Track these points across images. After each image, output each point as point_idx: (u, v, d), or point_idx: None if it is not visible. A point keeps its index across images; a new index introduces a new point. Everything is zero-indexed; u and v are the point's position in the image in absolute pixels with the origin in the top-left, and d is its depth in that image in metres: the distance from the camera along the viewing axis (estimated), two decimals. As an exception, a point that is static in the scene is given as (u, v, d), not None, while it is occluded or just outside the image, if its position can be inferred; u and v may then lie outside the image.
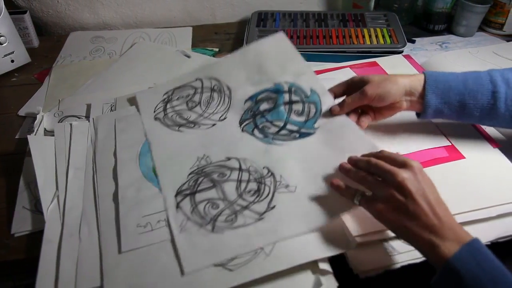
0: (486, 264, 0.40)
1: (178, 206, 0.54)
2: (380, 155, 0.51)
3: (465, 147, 0.63)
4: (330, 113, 0.63)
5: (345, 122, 0.62)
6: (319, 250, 0.48)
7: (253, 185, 0.56)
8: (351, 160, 0.54)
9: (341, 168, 0.54)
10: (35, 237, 0.55)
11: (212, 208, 0.53)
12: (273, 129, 0.63)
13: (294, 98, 0.66)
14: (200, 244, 0.49)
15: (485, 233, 0.53)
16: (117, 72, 0.85)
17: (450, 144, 0.64)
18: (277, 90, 0.67)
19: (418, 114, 0.63)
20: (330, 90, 0.65)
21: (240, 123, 0.65)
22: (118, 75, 0.85)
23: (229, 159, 0.59)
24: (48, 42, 0.98)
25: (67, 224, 0.54)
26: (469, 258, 0.40)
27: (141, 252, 0.50)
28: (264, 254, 0.48)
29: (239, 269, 0.47)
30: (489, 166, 0.61)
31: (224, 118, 0.66)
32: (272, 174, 0.57)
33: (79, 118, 0.73)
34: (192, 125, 0.66)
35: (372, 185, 0.48)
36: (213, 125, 0.66)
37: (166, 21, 1.05)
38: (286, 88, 0.67)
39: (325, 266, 0.48)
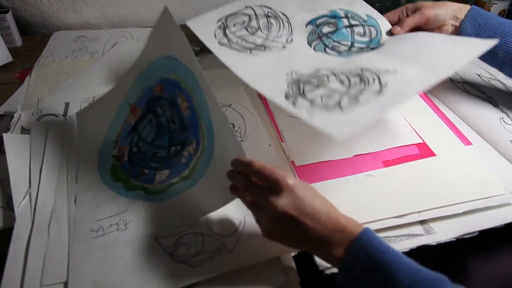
0: (377, 255, 0.40)
1: (294, 104, 0.50)
2: (254, 169, 0.45)
3: (436, 145, 0.64)
4: (391, 33, 0.68)
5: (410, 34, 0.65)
6: (281, 247, 0.48)
7: (355, 79, 0.54)
8: (236, 165, 0.48)
9: (229, 176, 0.48)
10: (5, 234, 0.55)
11: (329, 98, 0.51)
12: (343, 48, 0.65)
13: (353, 22, 0.68)
14: (335, 117, 0.47)
15: (452, 229, 0.53)
16: (97, 71, 0.86)
17: (422, 141, 0.64)
18: (334, 16, 0.69)
19: None
20: (385, 15, 0.71)
21: (309, 44, 0.65)
22: (98, 74, 0.85)
23: (318, 70, 0.57)
24: (31, 41, 0.98)
25: (37, 220, 0.55)
26: (359, 254, 0.41)
27: (107, 248, 0.50)
28: (226, 251, 0.48)
29: (201, 265, 0.47)
30: (459, 164, 0.61)
31: (291, 41, 0.64)
32: (367, 69, 0.56)
33: (57, 116, 0.74)
34: (263, 48, 0.61)
35: (258, 210, 0.46)
36: (283, 47, 0.62)
37: (149, 21, 1.05)
38: (342, 14, 0.69)
39: (287, 262, 0.48)
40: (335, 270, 0.49)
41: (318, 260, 0.49)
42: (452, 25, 0.67)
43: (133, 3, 1.03)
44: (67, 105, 0.76)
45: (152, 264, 0.48)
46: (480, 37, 0.64)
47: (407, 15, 0.69)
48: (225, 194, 0.49)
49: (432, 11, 0.66)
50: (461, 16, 0.66)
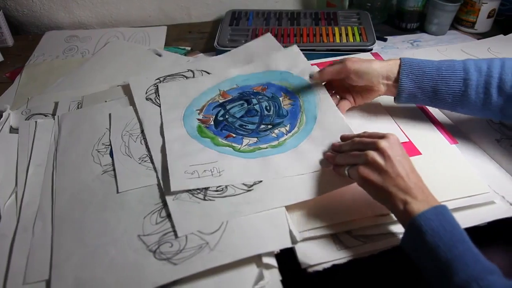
0: (448, 225, 0.44)
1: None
2: (362, 134, 0.56)
3: (422, 144, 0.64)
4: (310, 79, 0.68)
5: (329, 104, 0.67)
6: (263, 245, 0.49)
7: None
8: (335, 147, 0.59)
9: (328, 157, 0.58)
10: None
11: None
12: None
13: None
14: (192, 211, 0.53)
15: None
16: (87, 71, 0.86)
17: (408, 140, 0.65)
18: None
19: (395, 99, 0.66)
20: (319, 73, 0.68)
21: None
22: (88, 74, 0.85)
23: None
24: (23, 41, 0.98)
25: (22, 219, 0.55)
26: (433, 217, 0.44)
27: (91, 246, 0.50)
28: (208, 249, 0.49)
29: (183, 263, 0.47)
30: (444, 162, 0.61)
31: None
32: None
33: (46, 116, 0.74)
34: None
35: (357, 157, 0.52)
36: None
37: (141, 21, 1.05)
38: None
39: (268, 260, 0.48)
40: (318, 268, 0.50)
41: (301, 258, 0.50)
42: (384, 84, 0.63)
43: (124, 3, 1.03)
44: (56, 104, 0.76)
45: (135, 261, 0.48)
46: (422, 88, 0.61)
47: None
48: (313, 164, 0.58)
49: (355, 66, 0.62)
50: (394, 73, 0.62)
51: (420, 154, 0.62)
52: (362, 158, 0.51)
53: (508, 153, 0.63)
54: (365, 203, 0.55)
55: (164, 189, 0.56)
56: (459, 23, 0.99)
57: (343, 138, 0.60)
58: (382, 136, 0.52)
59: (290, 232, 0.50)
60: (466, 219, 0.54)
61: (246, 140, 0.63)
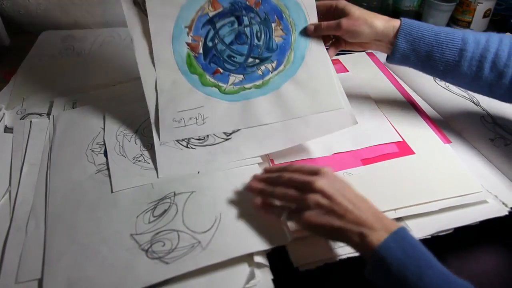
0: (412, 250, 0.41)
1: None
2: (291, 169, 0.52)
3: (416, 143, 0.64)
4: (305, 31, 0.65)
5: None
6: (255, 244, 0.49)
7: None
8: (259, 178, 0.54)
9: (253, 189, 0.53)
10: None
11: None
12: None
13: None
14: (174, 157, 0.58)
15: (427, 227, 0.54)
16: (83, 71, 0.86)
17: (402, 139, 0.65)
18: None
19: (387, 58, 0.64)
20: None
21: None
22: (84, 74, 0.85)
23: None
24: (19, 41, 0.98)
25: (16, 218, 0.55)
26: (395, 246, 0.41)
27: (83, 245, 0.51)
28: (200, 248, 0.49)
29: (175, 262, 0.47)
30: (437, 162, 0.61)
31: None
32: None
33: (41, 115, 0.74)
34: None
35: (295, 198, 0.48)
36: None
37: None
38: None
39: (260, 259, 0.48)
40: (310, 267, 0.50)
41: (293, 257, 0.50)
42: (377, 44, 0.63)
43: (121, 3, 1.03)
44: (51, 104, 0.76)
45: (127, 260, 0.48)
46: (417, 51, 0.60)
47: (334, 13, 0.64)
48: (291, 111, 0.60)
49: (351, 27, 0.60)
50: (389, 36, 0.61)
51: (414, 153, 0.63)
52: (303, 204, 0.46)
53: (502, 152, 0.64)
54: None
55: (155, 128, 0.61)
56: (454, 22, 0.99)
57: (266, 171, 0.56)
58: (315, 172, 0.48)
59: (282, 230, 0.50)
60: (457, 219, 0.55)
61: (232, 78, 0.63)
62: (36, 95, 0.79)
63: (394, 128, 0.67)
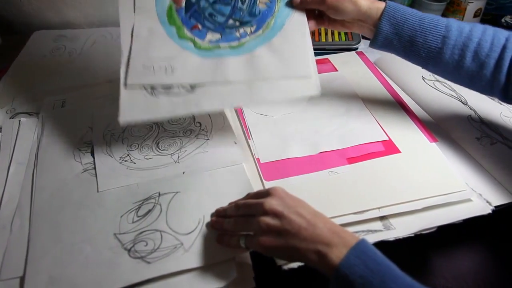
0: (374, 264, 0.40)
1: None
2: (246, 197, 0.52)
3: (402, 142, 0.64)
4: (290, 2, 0.64)
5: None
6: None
7: None
8: (219, 212, 0.53)
9: (213, 223, 0.52)
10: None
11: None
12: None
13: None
14: (138, 103, 0.56)
15: (411, 225, 0.54)
16: (73, 70, 0.86)
17: (388, 138, 0.65)
18: None
19: (371, 42, 0.63)
20: None
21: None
22: (74, 73, 0.85)
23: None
24: (11, 41, 0.98)
25: (1, 217, 0.55)
26: (356, 261, 0.40)
27: (67, 244, 0.51)
28: (183, 249, 0.49)
29: (156, 262, 0.48)
30: (423, 160, 0.62)
31: None
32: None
33: (30, 115, 0.74)
34: None
35: (247, 224, 0.47)
36: None
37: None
38: None
39: (242, 258, 0.48)
40: (293, 265, 0.50)
41: (277, 256, 0.50)
42: (360, 25, 0.62)
43: (113, 2, 1.02)
44: (40, 104, 0.76)
45: (109, 259, 0.49)
46: (400, 36, 0.59)
47: None
48: (259, 73, 0.58)
49: (335, 3, 0.59)
50: (372, 18, 0.60)
51: (399, 152, 0.63)
52: (255, 226, 0.45)
53: (487, 151, 0.64)
54: (344, 200, 0.56)
55: (124, 71, 0.59)
56: (446, 22, 0.99)
57: (229, 204, 0.54)
58: (266, 194, 0.47)
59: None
60: (442, 217, 0.55)
61: (209, 36, 0.62)
62: (26, 95, 0.79)
63: (381, 127, 0.67)
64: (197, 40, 0.62)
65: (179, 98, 0.57)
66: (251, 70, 0.59)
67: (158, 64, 0.59)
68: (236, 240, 0.48)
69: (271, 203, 0.45)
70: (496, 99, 0.74)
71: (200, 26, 0.63)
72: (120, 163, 0.61)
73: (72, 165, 0.62)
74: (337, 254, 0.41)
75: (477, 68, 0.57)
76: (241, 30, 0.62)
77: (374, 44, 0.62)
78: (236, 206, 0.50)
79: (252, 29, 0.62)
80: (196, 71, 0.59)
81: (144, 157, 0.62)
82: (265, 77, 0.58)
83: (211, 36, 0.62)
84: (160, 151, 0.63)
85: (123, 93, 0.58)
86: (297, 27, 0.62)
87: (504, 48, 0.56)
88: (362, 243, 0.42)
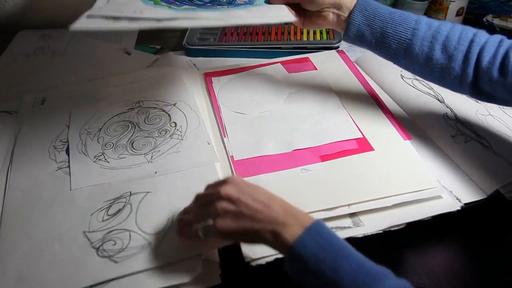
0: (328, 244, 0.41)
1: None
2: (205, 189, 0.51)
3: (376, 139, 0.65)
4: None
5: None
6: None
7: None
8: (186, 210, 0.52)
9: (179, 223, 0.50)
10: None
11: None
12: None
13: None
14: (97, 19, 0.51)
15: (379, 222, 0.54)
16: (55, 69, 0.87)
17: (362, 136, 0.65)
18: None
19: (343, 35, 0.65)
20: None
21: None
22: (56, 72, 0.86)
23: None
24: (-5, 40, 0.99)
25: (-27, 215, 0.56)
26: (311, 242, 0.41)
27: (36, 241, 0.51)
28: (150, 249, 0.49)
29: (124, 261, 0.48)
30: (395, 158, 0.62)
31: None
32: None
33: (10, 113, 0.75)
34: None
35: (205, 212, 0.47)
36: None
37: (114, 20, 1.06)
38: None
39: (208, 255, 0.49)
40: (261, 262, 0.50)
41: (245, 252, 0.50)
42: (334, 14, 0.63)
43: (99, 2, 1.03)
44: (20, 101, 0.76)
45: (77, 257, 0.49)
46: (371, 28, 0.61)
47: None
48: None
49: None
50: (348, 6, 0.62)
51: (373, 150, 0.63)
52: (212, 212, 0.45)
53: (461, 148, 0.64)
54: (314, 197, 0.56)
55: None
56: (429, 21, 1.00)
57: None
58: (222, 182, 0.48)
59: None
60: (412, 214, 0.55)
61: (185, 6, 0.61)
62: (7, 93, 0.80)
63: (356, 125, 0.67)
64: (173, 6, 0.59)
65: (145, 22, 0.52)
66: (227, 14, 0.58)
67: (127, 8, 0.53)
68: (195, 230, 0.47)
69: (226, 189, 0.46)
70: (473, 98, 0.74)
71: (177, 3, 0.61)
72: (94, 161, 0.62)
73: (47, 163, 0.62)
74: (291, 234, 0.42)
75: (446, 60, 0.58)
76: (218, 7, 0.62)
77: (346, 36, 0.64)
78: (196, 197, 0.50)
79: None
80: (168, 14, 0.54)
81: (118, 156, 0.62)
82: (241, 8, 0.59)
83: (187, 6, 0.61)
84: (134, 150, 0.63)
85: (81, 18, 0.52)
86: (276, 10, 0.63)
87: (471, 42, 0.57)
88: (317, 223, 0.43)
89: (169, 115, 0.70)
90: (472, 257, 0.64)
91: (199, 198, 0.49)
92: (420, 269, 0.62)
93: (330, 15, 0.64)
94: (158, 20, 0.51)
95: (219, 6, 0.62)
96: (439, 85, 0.62)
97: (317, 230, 0.42)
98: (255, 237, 0.44)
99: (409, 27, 0.59)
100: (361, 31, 0.62)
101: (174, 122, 0.68)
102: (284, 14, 0.62)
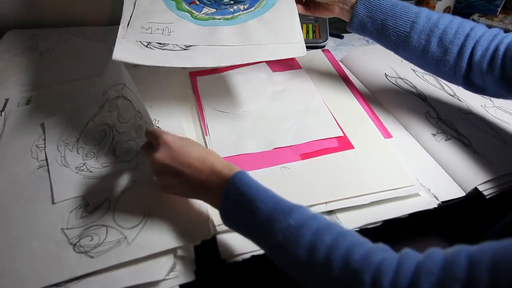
0: (246, 188, 0.46)
1: None
2: (146, 132, 0.53)
3: (356, 138, 0.65)
4: None
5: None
6: (178, 239, 0.50)
7: None
8: None
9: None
10: None
11: None
12: None
13: None
14: (133, 50, 0.60)
15: (356, 220, 0.54)
16: (42, 69, 0.87)
17: (343, 134, 0.66)
18: None
19: (348, 25, 0.68)
20: None
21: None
22: (43, 72, 0.86)
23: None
24: (-16, 40, 0.99)
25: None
26: (231, 190, 0.46)
27: (15, 238, 0.51)
28: (125, 243, 0.50)
29: (100, 256, 0.48)
30: (375, 156, 0.62)
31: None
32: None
33: (-5, 113, 0.75)
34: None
35: (147, 156, 0.52)
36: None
37: (106, 20, 1.06)
38: None
39: (184, 252, 0.49)
40: (237, 259, 0.51)
41: (221, 249, 0.51)
42: (340, 7, 0.67)
43: (88, 2, 1.04)
44: (6, 101, 0.77)
45: (54, 254, 0.49)
46: (373, 20, 0.64)
47: None
48: (250, 39, 0.64)
49: None
50: (351, 0, 0.65)
51: (353, 148, 0.63)
52: (151, 168, 0.51)
53: (442, 147, 0.64)
54: (292, 195, 0.56)
55: (121, 29, 0.63)
56: (416, 20, 1.00)
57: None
58: (156, 145, 0.50)
59: (207, 226, 0.51)
60: (389, 211, 0.56)
61: (205, 9, 0.68)
62: (-7, 93, 0.80)
63: (337, 124, 0.67)
64: (194, 11, 0.68)
65: (173, 52, 0.61)
66: (243, 37, 0.64)
67: (156, 27, 0.64)
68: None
69: (159, 157, 0.49)
70: (456, 96, 0.75)
71: (197, 2, 0.69)
72: (77, 173, 0.61)
73: (29, 161, 0.62)
74: (218, 192, 0.47)
75: (441, 53, 0.60)
76: (235, 7, 0.69)
77: (350, 26, 0.67)
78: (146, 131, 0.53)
79: (245, 6, 0.69)
80: (192, 35, 0.64)
81: (101, 165, 0.61)
82: (255, 42, 0.64)
83: (207, 10, 0.69)
84: (117, 157, 0.62)
85: (120, 41, 0.61)
86: (286, 6, 0.69)
87: (467, 36, 0.58)
88: (238, 174, 0.47)
89: (131, 102, 0.68)
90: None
91: (145, 149, 0.53)
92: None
93: (336, 8, 0.68)
94: (187, 46, 0.63)
95: (235, 6, 0.70)
96: (436, 76, 0.65)
97: (238, 179, 0.46)
98: (191, 197, 0.52)
99: (409, 20, 0.61)
100: (363, 22, 0.65)
101: (138, 111, 0.66)
102: (296, 42, 0.65)
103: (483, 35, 0.58)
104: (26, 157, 0.63)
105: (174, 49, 0.62)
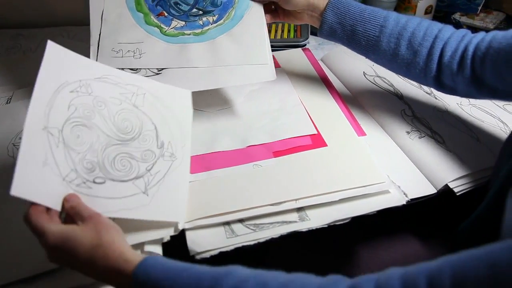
0: (162, 275, 0.41)
1: None
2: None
3: (330, 136, 0.66)
4: None
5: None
6: (144, 233, 0.50)
7: None
8: None
9: None
10: None
11: None
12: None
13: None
14: None
15: (326, 216, 0.55)
16: (25, 69, 0.87)
17: (317, 132, 0.66)
18: None
19: (318, 31, 0.68)
20: None
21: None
22: (26, 71, 0.86)
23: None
24: (-33, 40, 1.00)
25: None
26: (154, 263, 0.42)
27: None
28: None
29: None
30: (347, 154, 0.63)
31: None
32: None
33: (-24, 112, 0.76)
34: None
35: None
36: None
37: (88, 19, 1.06)
38: None
39: (151, 248, 0.50)
40: (205, 255, 0.51)
41: (190, 245, 0.51)
42: (309, 15, 0.66)
43: (71, 1, 1.04)
44: (-14, 101, 0.77)
45: (20, 251, 0.50)
46: (343, 26, 0.64)
47: None
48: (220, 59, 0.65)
49: None
50: (320, 7, 0.64)
51: (326, 145, 0.64)
52: None
53: (416, 144, 0.65)
54: (263, 192, 0.57)
55: (94, 55, 0.65)
56: (399, 19, 1.00)
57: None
58: (42, 234, 0.44)
59: (173, 222, 0.52)
60: (358, 208, 0.56)
61: (174, 23, 0.68)
62: (-26, 93, 0.81)
63: (312, 122, 0.68)
64: (163, 26, 0.68)
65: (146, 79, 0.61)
66: (214, 56, 0.65)
67: (127, 49, 0.65)
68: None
69: (46, 247, 0.44)
70: (432, 94, 0.75)
71: (166, 14, 0.69)
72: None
73: (5, 160, 0.63)
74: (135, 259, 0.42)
75: (411, 56, 0.60)
76: (204, 19, 0.69)
77: (320, 33, 0.67)
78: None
79: (214, 18, 0.69)
80: (163, 56, 0.65)
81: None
82: (225, 63, 0.64)
83: (176, 23, 0.68)
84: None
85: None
86: (255, 19, 0.68)
87: (436, 38, 0.59)
88: (141, 265, 0.42)
89: None
90: (427, 251, 0.64)
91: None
92: (372, 264, 0.63)
93: (305, 15, 0.67)
94: (159, 70, 0.65)
95: (204, 18, 0.69)
96: (407, 78, 0.66)
97: (147, 267, 0.42)
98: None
99: (378, 25, 0.61)
100: (333, 28, 0.65)
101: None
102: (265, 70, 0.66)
103: (452, 36, 0.58)
104: (2, 156, 0.64)
105: (147, 74, 0.64)
